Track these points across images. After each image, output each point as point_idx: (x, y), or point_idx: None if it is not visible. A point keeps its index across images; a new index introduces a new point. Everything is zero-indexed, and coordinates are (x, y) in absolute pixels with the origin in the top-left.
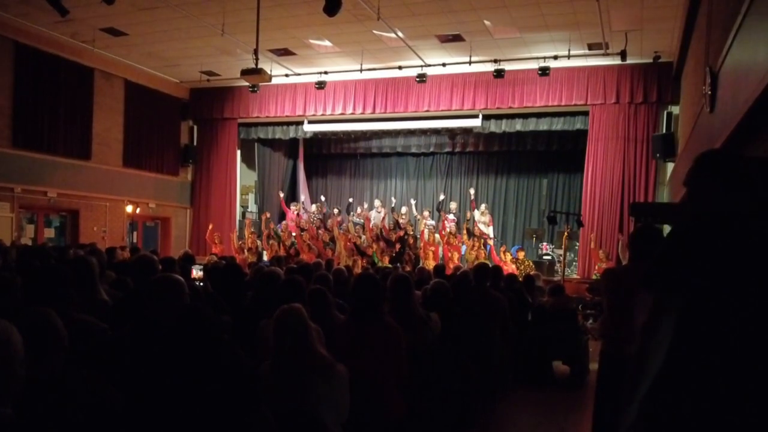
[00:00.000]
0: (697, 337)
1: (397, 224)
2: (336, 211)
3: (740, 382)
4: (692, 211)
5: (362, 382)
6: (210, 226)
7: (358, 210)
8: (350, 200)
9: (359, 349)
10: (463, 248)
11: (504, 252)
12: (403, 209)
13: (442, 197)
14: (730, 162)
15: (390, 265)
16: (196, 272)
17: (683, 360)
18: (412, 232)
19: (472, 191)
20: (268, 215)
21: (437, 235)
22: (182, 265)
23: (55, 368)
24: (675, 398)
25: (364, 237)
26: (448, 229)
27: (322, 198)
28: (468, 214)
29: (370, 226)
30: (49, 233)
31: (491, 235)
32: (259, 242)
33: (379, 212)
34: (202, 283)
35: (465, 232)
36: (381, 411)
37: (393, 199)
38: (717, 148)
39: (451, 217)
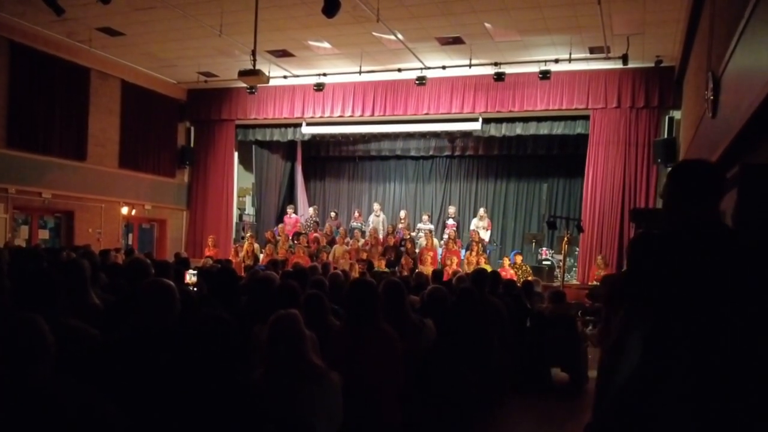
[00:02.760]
0: (668, 352)
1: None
2: (333, 214)
3: (714, 393)
4: (667, 222)
5: (359, 389)
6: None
7: (356, 213)
8: (353, 223)
9: (356, 357)
10: (462, 252)
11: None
12: (402, 213)
13: (450, 222)
14: (703, 173)
15: (387, 270)
16: (189, 278)
17: (656, 373)
18: (410, 236)
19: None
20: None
21: (435, 240)
22: (176, 268)
23: (41, 375)
24: (648, 411)
25: (362, 241)
26: (447, 235)
27: (332, 214)
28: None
29: (371, 229)
30: (44, 234)
31: (488, 239)
32: (256, 245)
33: (378, 216)
34: (196, 288)
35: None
36: (377, 419)
37: (397, 225)
38: (691, 159)
39: (450, 222)
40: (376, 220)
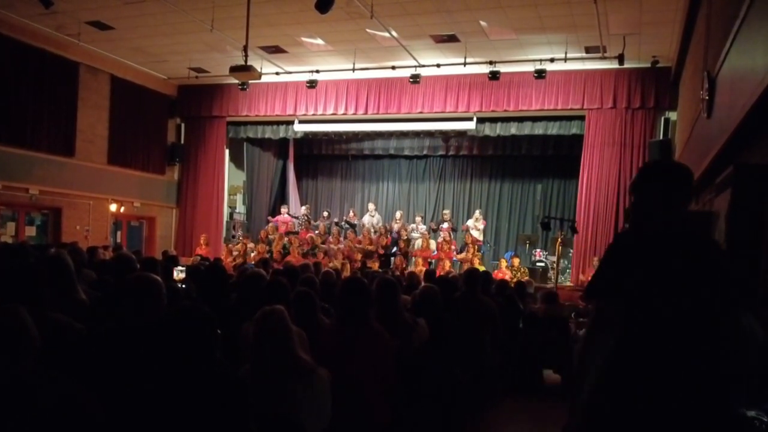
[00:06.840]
0: (638, 341)
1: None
2: (325, 214)
3: (679, 379)
4: (634, 219)
5: (347, 387)
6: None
7: (350, 213)
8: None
9: (345, 354)
10: (455, 255)
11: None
12: (398, 213)
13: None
14: (672, 171)
15: (380, 270)
16: (177, 274)
17: (626, 362)
18: (405, 237)
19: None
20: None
21: (432, 242)
22: (164, 265)
23: (24, 368)
24: (619, 397)
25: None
26: (442, 237)
27: (325, 214)
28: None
29: (364, 230)
30: (31, 231)
31: (481, 239)
32: (250, 245)
33: (372, 216)
34: (184, 285)
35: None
36: (366, 418)
37: (392, 226)
38: (660, 159)
39: (445, 225)
40: (370, 220)
